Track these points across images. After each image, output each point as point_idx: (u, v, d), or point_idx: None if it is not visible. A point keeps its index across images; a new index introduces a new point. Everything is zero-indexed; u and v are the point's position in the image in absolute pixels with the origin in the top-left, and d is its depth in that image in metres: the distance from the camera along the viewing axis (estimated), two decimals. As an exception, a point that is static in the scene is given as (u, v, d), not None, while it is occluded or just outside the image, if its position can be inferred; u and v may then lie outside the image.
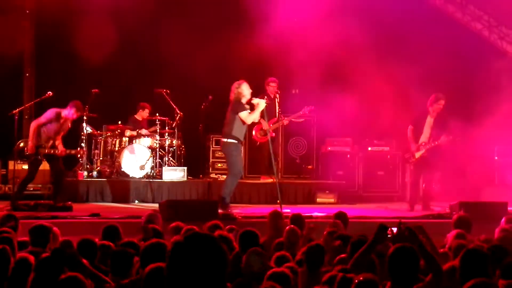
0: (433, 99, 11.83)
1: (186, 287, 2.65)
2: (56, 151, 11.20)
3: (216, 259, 2.68)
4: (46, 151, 11.15)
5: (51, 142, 11.22)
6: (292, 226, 7.27)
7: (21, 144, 11.29)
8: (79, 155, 12.20)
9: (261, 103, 10.50)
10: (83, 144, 13.11)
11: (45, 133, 11.19)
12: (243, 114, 10.46)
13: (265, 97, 13.38)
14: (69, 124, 11.43)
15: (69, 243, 6.21)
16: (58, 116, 11.19)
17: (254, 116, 10.57)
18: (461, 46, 15.15)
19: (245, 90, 10.57)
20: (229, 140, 10.51)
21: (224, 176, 13.58)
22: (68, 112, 11.20)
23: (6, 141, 12.36)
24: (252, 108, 10.63)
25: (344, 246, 5.98)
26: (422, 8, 15.32)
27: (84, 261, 5.22)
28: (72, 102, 11.30)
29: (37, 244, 6.07)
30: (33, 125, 11.20)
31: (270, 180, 13.17)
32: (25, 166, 12.07)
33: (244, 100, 10.53)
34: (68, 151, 11.42)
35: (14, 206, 10.59)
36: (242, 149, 10.72)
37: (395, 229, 5.24)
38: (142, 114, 13.96)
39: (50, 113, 11.21)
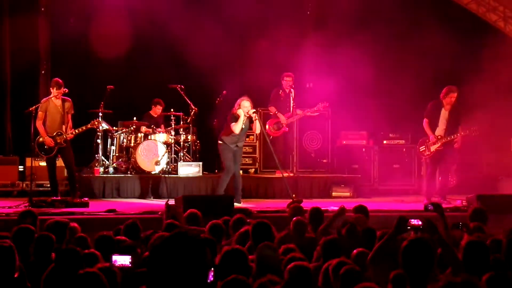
0: (445, 91, 11.71)
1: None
2: (64, 139, 11.21)
3: (195, 259, 2.65)
4: (65, 136, 11.19)
5: (58, 131, 11.26)
6: (299, 217, 7.26)
7: (40, 139, 11.31)
8: (95, 126, 12.02)
9: (240, 113, 11.35)
10: (98, 140, 13.18)
11: (48, 125, 11.25)
12: (232, 126, 11.42)
13: (280, 90, 13.43)
14: (62, 104, 11.24)
15: (85, 239, 6.26)
16: (45, 104, 11.23)
17: (238, 125, 11.36)
18: (476, 38, 15.05)
19: (244, 107, 11.38)
20: (219, 142, 11.64)
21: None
22: (51, 95, 11.23)
23: (22, 138, 12.43)
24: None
25: (368, 240, 6.06)
26: (437, 1, 15.25)
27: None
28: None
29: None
30: (37, 124, 11.22)
31: (285, 175, 13.17)
32: (43, 163, 12.15)
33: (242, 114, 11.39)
34: (79, 130, 11.39)
35: (32, 203, 10.65)
36: (234, 148, 11.53)
37: (415, 221, 5.21)
38: (156, 110, 13.99)
39: (40, 106, 11.27)
